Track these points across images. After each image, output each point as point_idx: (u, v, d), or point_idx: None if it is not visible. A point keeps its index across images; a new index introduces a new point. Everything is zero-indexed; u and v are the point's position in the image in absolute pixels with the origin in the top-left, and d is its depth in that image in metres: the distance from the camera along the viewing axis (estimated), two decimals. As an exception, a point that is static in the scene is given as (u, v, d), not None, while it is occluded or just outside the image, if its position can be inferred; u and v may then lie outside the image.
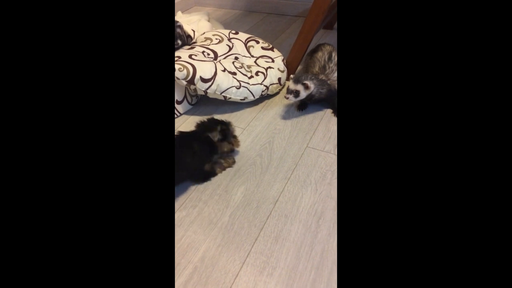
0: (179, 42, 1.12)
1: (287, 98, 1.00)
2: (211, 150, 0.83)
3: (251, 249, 0.68)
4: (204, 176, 0.85)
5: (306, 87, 0.98)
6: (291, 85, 0.99)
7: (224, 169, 0.88)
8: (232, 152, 0.91)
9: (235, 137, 0.88)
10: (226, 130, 0.84)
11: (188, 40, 1.19)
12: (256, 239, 0.70)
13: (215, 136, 0.82)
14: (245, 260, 0.66)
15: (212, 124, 0.84)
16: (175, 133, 0.83)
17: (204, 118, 0.88)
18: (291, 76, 1.01)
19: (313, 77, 1.00)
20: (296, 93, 0.98)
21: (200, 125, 0.85)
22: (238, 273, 0.64)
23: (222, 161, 0.87)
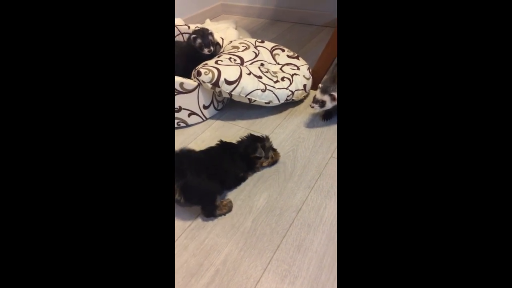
0: (212, 48, 1.15)
1: (313, 107, 1.00)
2: (250, 165, 0.86)
3: (273, 256, 0.68)
4: (240, 180, 0.86)
5: (333, 98, 0.97)
6: (318, 94, 0.99)
7: (261, 167, 0.90)
8: (274, 164, 0.92)
9: (274, 150, 0.91)
10: (266, 147, 0.86)
11: (217, 48, 1.22)
12: (278, 247, 0.70)
13: (261, 153, 0.84)
14: (266, 267, 0.66)
15: (253, 143, 0.84)
16: (217, 142, 0.86)
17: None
18: (320, 85, 1.01)
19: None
20: (322, 103, 0.98)
21: (241, 144, 0.86)
22: (259, 279, 0.63)
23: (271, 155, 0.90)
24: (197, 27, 1.36)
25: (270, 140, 0.89)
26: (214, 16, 2.12)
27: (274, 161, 0.91)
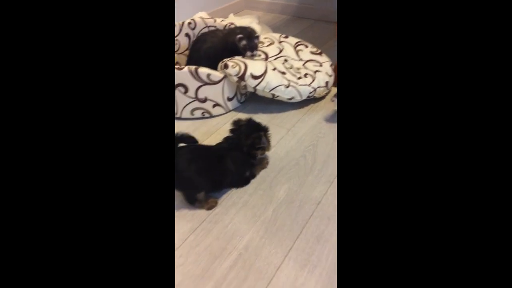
0: (255, 53, 1.11)
1: (333, 101, 1.01)
2: (250, 158, 0.85)
3: (293, 245, 0.70)
4: (245, 181, 0.87)
5: None
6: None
7: (260, 170, 0.90)
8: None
9: (269, 140, 0.87)
10: (260, 138, 0.83)
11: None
12: (298, 237, 0.72)
13: (265, 142, 0.83)
14: (287, 255, 0.68)
15: (248, 135, 0.82)
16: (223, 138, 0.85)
17: (242, 118, 0.86)
18: None
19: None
20: None
21: (236, 133, 0.84)
22: (280, 266, 0.66)
23: (260, 163, 0.90)
24: (222, 20, 1.38)
25: (268, 131, 0.86)
26: (238, 11, 2.14)
27: (265, 152, 0.89)
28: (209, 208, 0.79)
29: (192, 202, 0.79)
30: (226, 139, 0.85)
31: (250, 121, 0.85)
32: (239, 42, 1.09)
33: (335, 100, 1.01)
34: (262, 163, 0.91)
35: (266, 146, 0.84)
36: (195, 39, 1.27)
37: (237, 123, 0.85)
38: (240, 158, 0.81)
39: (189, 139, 0.80)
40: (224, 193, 0.84)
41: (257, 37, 1.12)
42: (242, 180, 0.86)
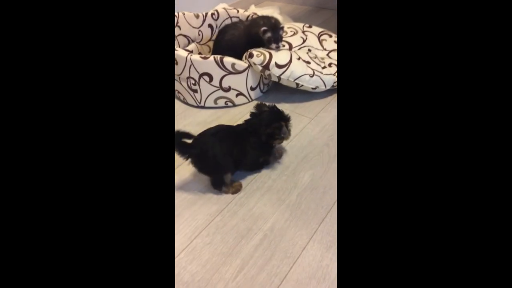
0: (280, 45, 1.07)
1: None
2: (267, 146, 0.85)
3: (318, 228, 0.72)
4: (259, 166, 0.88)
5: None
6: None
7: (274, 160, 0.90)
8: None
9: (288, 131, 0.84)
10: (280, 128, 0.81)
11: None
12: (323, 220, 0.73)
13: (285, 133, 0.81)
14: (312, 236, 0.70)
15: (269, 124, 0.80)
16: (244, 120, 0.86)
17: (266, 104, 0.86)
18: None
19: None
20: None
21: (257, 119, 0.82)
22: (305, 247, 0.68)
23: (276, 153, 0.91)
24: (245, 11, 1.40)
25: (290, 121, 0.84)
26: (259, 2, 2.14)
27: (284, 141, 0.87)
28: (235, 192, 0.82)
29: (220, 185, 0.81)
30: (247, 122, 0.84)
31: (273, 109, 0.84)
32: (264, 35, 1.05)
33: None
34: (278, 152, 0.91)
35: (285, 137, 0.83)
36: (218, 32, 1.28)
37: (260, 108, 0.84)
38: (257, 144, 0.81)
39: (187, 135, 0.78)
40: (248, 179, 0.86)
41: (282, 28, 1.09)
42: (256, 165, 0.87)
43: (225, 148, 0.76)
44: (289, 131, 0.83)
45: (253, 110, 0.84)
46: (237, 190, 0.82)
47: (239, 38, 1.16)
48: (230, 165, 0.79)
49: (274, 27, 1.06)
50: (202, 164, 0.78)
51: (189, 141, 0.78)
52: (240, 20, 1.31)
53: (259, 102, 0.87)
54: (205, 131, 0.80)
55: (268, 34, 1.05)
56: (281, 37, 1.08)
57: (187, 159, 0.77)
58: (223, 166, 0.78)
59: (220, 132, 0.79)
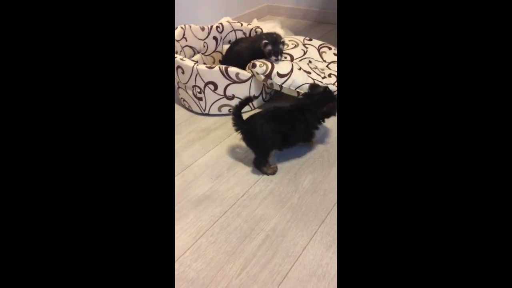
0: (279, 57, 1.13)
1: None
2: (318, 123, 0.95)
3: (318, 229, 0.74)
4: (307, 137, 0.96)
5: None
6: None
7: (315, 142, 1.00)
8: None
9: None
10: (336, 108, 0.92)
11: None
12: (323, 221, 0.76)
13: (335, 113, 0.93)
14: (312, 237, 0.73)
15: (325, 103, 0.91)
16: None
17: (319, 87, 0.96)
18: None
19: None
20: None
21: (312, 98, 0.93)
22: (306, 246, 0.71)
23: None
24: (248, 24, 1.46)
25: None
26: (261, 16, 2.22)
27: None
28: (273, 173, 0.91)
29: (261, 164, 0.90)
30: (300, 101, 0.95)
31: (326, 89, 0.94)
32: (265, 47, 1.12)
33: None
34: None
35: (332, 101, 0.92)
36: (231, 44, 1.34)
37: (313, 89, 0.94)
38: (309, 120, 0.92)
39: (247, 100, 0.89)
40: (251, 182, 0.89)
41: (283, 42, 1.15)
42: (306, 135, 0.95)
43: (274, 126, 0.86)
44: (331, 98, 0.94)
45: (307, 91, 0.95)
46: (274, 171, 0.91)
47: (245, 50, 1.23)
48: (278, 142, 0.88)
49: (275, 41, 1.13)
50: (250, 140, 0.89)
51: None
52: (247, 37, 1.38)
53: (312, 83, 0.96)
54: (257, 112, 0.91)
55: (269, 47, 1.12)
56: (281, 51, 1.14)
57: (238, 132, 0.88)
58: (269, 144, 0.87)
59: (269, 113, 0.89)
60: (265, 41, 1.12)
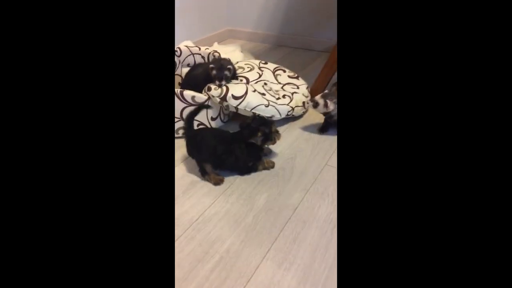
0: (222, 83, 1.17)
1: (308, 104, 1.16)
2: (255, 149, 0.97)
3: (271, 247, 0.76)
4: (248, 170, 1.00)
5: (326, 105, 1.10)
6: (317, 97, 1.13)
7: (264, 168, 1.02)
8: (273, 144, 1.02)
9: (277, 132, 0.98)
10: (267, 133, 0.95)
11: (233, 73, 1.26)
12: (276, 239, 0.78)
13: (258, 141, 0.95)
14: (265, 255, 0.73)
15: (254, 130, 0.94)
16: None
17: (248, 118, 0.98)
18: (326, 90, 1.15)
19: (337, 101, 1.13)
20: (316, 104, 1.13)
21: (244, 128, 0.94)
22: (259, 265, 0.71)
23: (264, 161, 1.02)
24: (207, 48, 1.51)
25: (274, 123, 0.99)
26: (222, 40, 2.30)
27: (274, 143, 0.99)
28: (215, 183, 0.95)
29: (203, 173, 0.97)
30: (237, 133, 0.97)
31: (255, 117, 0.97)
32: (211, 72, 1.19)
33: (310, 103, 1.14)
34: (267, 162, 1.02)
35: (276, 137, 0.97)
36: (187, 72, 1.37)
37: (243, 124, 0.95)
38: (247, 148, 0.95)
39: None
40: (206, 204, 0.89)
41: (229, 69, 1.19)
42: (245, 169, 0.99)
43: (211, 144, 0.92)
44: (277, 132, 0.98)
45: (240, 125, 0.96)
46: (217, 182, 0.95)
47: (201, 75, 1.27)
48: (211, 158, 0.94)
49: (220, 66, 1.19)
50: (189, 147, 0.98)
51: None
52: (204, 62, 1.43)
53: (241, 122, 0.97)
54: (208, 127, 1.05)
55: (214, 72, 1.19)
56: (226, 76, 1.19)
57: (183, 137, 0.99)
58: (203, 157, 0.95)
59: (215, 132, 1.01)
60: (212, 65, 1.20)
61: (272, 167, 1.02)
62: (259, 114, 1.02)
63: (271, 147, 1.05)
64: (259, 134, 0.93)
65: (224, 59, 1.27)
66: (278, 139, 0.99)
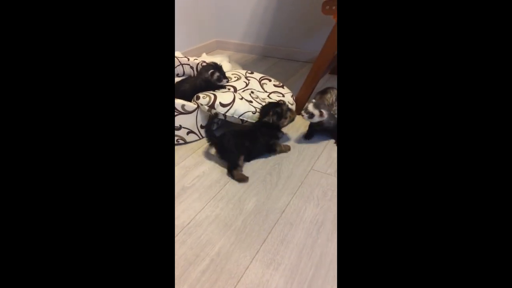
0: (228, 79, 1.33)
1: (303, 116, 1.18)
2: (275, 128, 1.15)
3: (260, 248, 0.79)
4: (269, 149, 1.15)
5: (321, 114, 1.15)
6: (310, 107, 1.16)
7: (281, 150, 1.16)
8: (292, 121, 1.19)
9: (290, 110, 1.16)
10: (279, 112, 1.12)
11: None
12: (264, 240, 0.81)
13: (272, 119, 1.11)
14: (254, 256, 0.76)
15: (265, 110, 1.13)
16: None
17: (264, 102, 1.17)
18: (313, 100, 1.20)
19: (326, 108, 1.19)
20: (311, 115, 1.16)
21: (261, 112, 1.16)
22: (248, 266, 0.74)
23: (281, 145, 1.18)
24: (195, 59, 1.56)
25: (286, 103, 1.18)
26: (210, 50, 2.35)
27: (291, 119, 1.17)
28: (239, 180, 1.03)
29: (233, 170, 1.05)
30: (256, 122, 1.17)
31: (268, 104, 1.16)
32: (212, 76, 1.28)
33: (305, 115, 1.17)
34: (284, 146, 1.18)
35: (288, 114, 1.13)
36: (180, 81, 1.41)
37: (260, 111, 1.16)
38: (266, 131, 1.12)
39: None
40: (197, 208, 0.92)
41: (221, 66, 1.33)
42: (267, 148, 1.14)
43: (238, 141, 1.06)
44: (286, 111, 1.13)
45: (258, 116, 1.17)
46: (240, 179, 1.03)
47: (188, 90, 1.30)
48: (243, 151, 1.07)
49: (218, 67, 1.31)
50: (220, 152, 1.09)
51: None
52: (196, 69, 1.50)
53: (260, 107, 1.18)
54: (228, 130, 1.12)
55: (217, 74, 1.29)
56: (224, 74, 1.33)
57: (210, 145, 1.13)
58: (235, 152, 1.06)
59: (236, 131, 1.12)
60: (211, 70, 1.28)
61: (289, 149, 1.18)
62: (268, 102, 1.19)
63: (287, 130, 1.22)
64: (271, 113, 1.10)
65: (213, 62, 1.37)
66: (293, 116, 1.16)
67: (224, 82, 1.31)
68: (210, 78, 1.28)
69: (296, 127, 1.36)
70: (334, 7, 1.23)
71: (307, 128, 1.29)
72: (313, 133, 1.27)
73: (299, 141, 1.25)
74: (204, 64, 1.46)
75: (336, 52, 1.37)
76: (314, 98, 1.40)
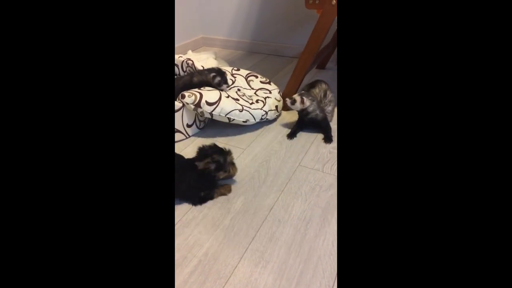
0: (229, 84, 1.31)
1: (286, 101, 1.21)
2: (209, 178, 0.91)
3: (248, 247, 0.78)
4: (200, 201, 0.92)
5: (302, 101, 1.18)
6: (294, 95, 1.20)
7: (220, 195, 0.95)
8: (229, 178, 0.99)
9: (233, 164, 0.94)
10: (220, 162, 0.89)
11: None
12: (253, 239, 0.80)
13: (206, 166, 0.88)
14: (242, 255, 0.76)
15: (204, 153, 0.89)
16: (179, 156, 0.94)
17: (207, 143, 0.94)
18: (302, 91, 1.23)
19: (313, 99, 1.21)
20: (293, 101, 1.19)
21: (199, 153, 0.90)
22: (236, 266, 0.73)
23: (220, 188, 0.95)
24: (180, 56, 1.53)
25: (232, 155, 0.93)
26: (196, 47, 2.32)
27: (230, 176, 0.96)
28: (226, 192, 0.95)
29: (200, 199, 0.92)
30: (193, 158, 0.91)
31: (215, 145, 0.92)
32: (213, 80, 1.27)
33: (288, 100, 1.19)
34: (224, 189, 0.96)
35: (229, 168, 0.92)
36: None
37: (198, 151, 0.91)
38: (200, 177, 0.88)
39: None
40: (184, 209, 0.91)
41: (225, 72, 1.32)
42: (196, 199, 0.92)
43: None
44: (232, 164, 0.93)
45: (197, 152, 0.91)
46: (222, 193, 0.95)
47: (178, 86, 1.29)
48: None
49: (221, 72, 1.30)
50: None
51: None
52: (181, 66, 1.47)
53: (200, 146, 0.92)
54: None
55: (218, 78, 1.28)
56: (226, 79, 1.31)
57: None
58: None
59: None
60: (213, 74, 1.28)
61: (229, 192, 0.96)
62: (212, 144, 0.93)
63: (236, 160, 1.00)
64: (210, 159, 0.87)
65: (217, 67, 1.38)
66: (234, 172, 0.94)
67: (224, 87, 1.28)
68: (211, 81, 1.28)
69: (284, 122, 1.35)
70: (318, 1, 1.23)
71: (294, 124, 1.29)
72: (300, 130, 1.27)
73: (286, 138, 1.25)
74: (190, 62, 1.44)
75: (321, 47, 1.36)
76: (303, 89, 1.40)
